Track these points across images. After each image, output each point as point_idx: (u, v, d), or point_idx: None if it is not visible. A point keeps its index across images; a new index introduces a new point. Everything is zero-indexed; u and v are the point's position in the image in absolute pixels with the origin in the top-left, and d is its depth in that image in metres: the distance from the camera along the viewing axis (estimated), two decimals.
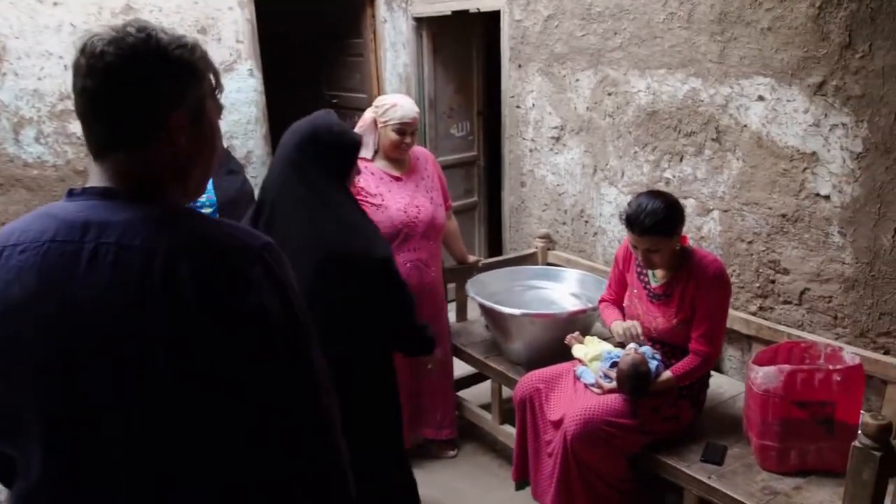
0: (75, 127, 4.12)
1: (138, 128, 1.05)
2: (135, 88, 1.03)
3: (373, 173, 3.24)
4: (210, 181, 3.14)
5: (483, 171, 5.37)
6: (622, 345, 2.87)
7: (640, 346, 2.64)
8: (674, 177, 3.28)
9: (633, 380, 2.53)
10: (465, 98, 5.14)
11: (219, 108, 1.16)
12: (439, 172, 3.48)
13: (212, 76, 1.12)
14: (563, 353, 2.93)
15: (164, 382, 0.99)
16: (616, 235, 3.61)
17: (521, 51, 3.97)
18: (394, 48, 5.03)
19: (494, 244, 5.35)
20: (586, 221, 3.78)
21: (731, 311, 3.08)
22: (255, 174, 4.75)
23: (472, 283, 3.51)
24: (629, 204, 2.55)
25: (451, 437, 3.60)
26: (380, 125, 3.19)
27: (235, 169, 4.14)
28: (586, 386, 2.69)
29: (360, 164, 3.23)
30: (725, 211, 3.09)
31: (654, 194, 2.56)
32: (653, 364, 2.60)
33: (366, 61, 5.20)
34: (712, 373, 3.14)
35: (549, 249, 4.00)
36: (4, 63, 3.90)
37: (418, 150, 3.49)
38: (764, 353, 2.57)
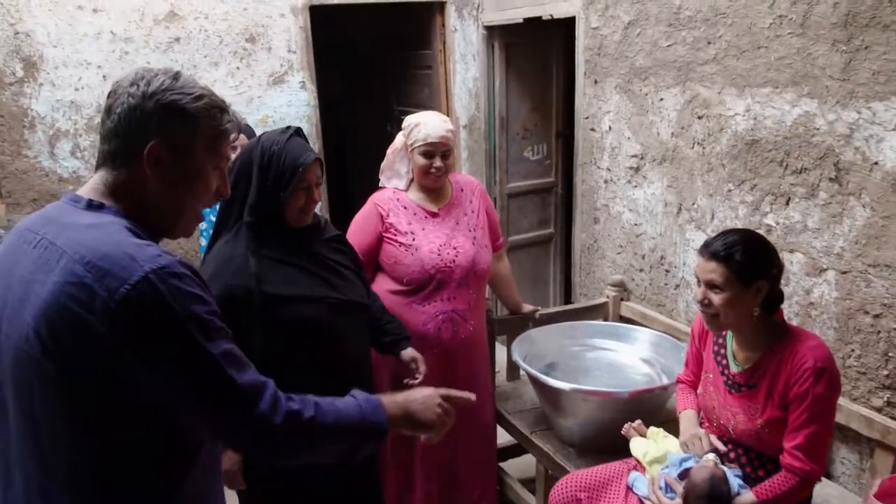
0: None
1: (119, 149, 1.24)
2: (127, 117, 1.22)
3: (405, 207, 2.74)
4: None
5: (561, 200, 4.76)
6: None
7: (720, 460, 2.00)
8: (777, 224, 2.58)
9: (706, 501, 1.89)
10: (543, 117, 4.56)
11: (216, 159, 1.31)
12: (488, 206, 2.93)
13: (215, 128, 1.29)
14: (623, 441, 2.31)
15: (32, 363, 1.14)
16: None
17: (597, 64, 3.36)
18: (464, 60, 4.53)
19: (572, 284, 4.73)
20: (667, 270, 3.12)
21: (847, 405, 2.35)
22: None
23: (520, 340, 2.92)
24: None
25: None
26: (409, 149, 2.69)
27: None
28: (641, 501, 2.06)
29: (392, 195, 2.75)
30: (844, 272, 2.37)
31: (747, 232, 2.03)
32: (734, 483, 1.95)
33: (434, 74, 4.73)
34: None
35: (622, 300, 3.36)
36: (41, 73, 3.70)
37: (463, 178, 2.96)
38: (889, 482, 1.86)
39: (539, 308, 3.25)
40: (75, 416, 1.16)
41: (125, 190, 1.24)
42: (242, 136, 3.46)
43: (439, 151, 2.64)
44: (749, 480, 2.00)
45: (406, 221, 2.70)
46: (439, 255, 2.67)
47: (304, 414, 1.27)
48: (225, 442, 1.27)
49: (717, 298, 1.92)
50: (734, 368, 2.04)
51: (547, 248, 4.81)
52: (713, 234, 2.73)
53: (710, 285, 1.93)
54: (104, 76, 3.78)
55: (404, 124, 2.71)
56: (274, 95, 4.17)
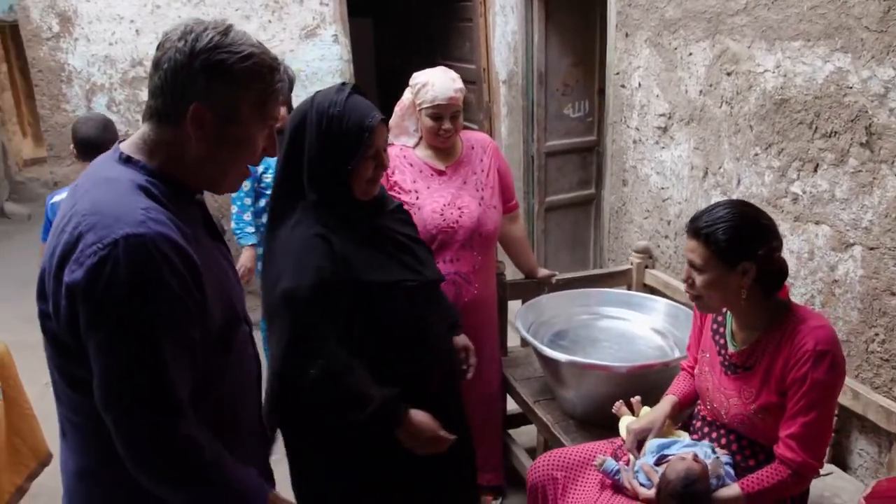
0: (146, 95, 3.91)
1: (164, 107, 1.21)
2: (173, 75, 1.18)
3: (411, 164, 2.66)
4: (275, 161, 2.76)
5: (603, 160, 4.55)
6: (688, 427, 2.08)
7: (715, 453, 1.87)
8: (804, 192, 2.35)
9: (679, 500, 1.77)
10: (585, 73, 4.32)
11: (263, 120, 1.27)
12: (501, 165, 2.81)
13: (263, 90, 1.24)
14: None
15: (48, 327, 1.19)
16: None
17: (628, 15, 3.13)
18: (503, 13, 4.33)
19: None
20: None
21: (867, 394, 2.16)
22: None
23: (529, 306, 2.81)
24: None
25: (495, 483, 2.99)
26: (416, 108, 2.59)
27: None
28: (616, 484, 1.95)
29: (399, 153, 2.67)
30: (872, 248, 2.14)
31: (742, 205, 1.82)
32: (720, 472, 1.81)
33: (475, 27, 4.57)
34: (830, 469, 2.25)
35: (646, 267, 3.18)
36: (76, 28, 3.76)
37: (475, 136, 2.85)
38: (888, 484, 1.69)
39: (556, 273, 3.12)
40: (57, 355, 1.20)
41: (166, 148, 1.23)
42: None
43: (448, 113, 2.54)
44: (739, 470, 1.86)
45: (411, 179, 2.63)
46: (442, 214, 2.58)
47: (205, 454, 1.21)
48: (115, 437, 1.18)
49: (698, 279, 1.77)
50: (731, 349, 1.88)
51: (587, 209, 4.63)
52: None
53: (692, 265, 1.79)
54: (137, 30, 3.82)
55: (412, 81, 2.61)
56: (306, 49, 4.13)
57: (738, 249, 1.71)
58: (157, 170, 1.23)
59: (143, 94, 3.89)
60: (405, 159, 2.66)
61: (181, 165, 1.24)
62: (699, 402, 2.07)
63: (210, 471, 1.22)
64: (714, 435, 1.96)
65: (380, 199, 1.93)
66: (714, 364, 1.93)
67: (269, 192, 3.49)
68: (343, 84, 1.84)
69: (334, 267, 1.74)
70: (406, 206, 2.56)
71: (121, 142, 1.29)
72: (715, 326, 1.96)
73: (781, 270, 1.80)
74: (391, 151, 2.67)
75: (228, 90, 1.20)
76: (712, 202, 2.71)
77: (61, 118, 3.85)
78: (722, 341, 1.92)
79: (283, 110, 2.03)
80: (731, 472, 1.85)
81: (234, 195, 3.44)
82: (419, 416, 1.82)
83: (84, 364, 1.14)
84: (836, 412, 1.89)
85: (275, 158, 3.42)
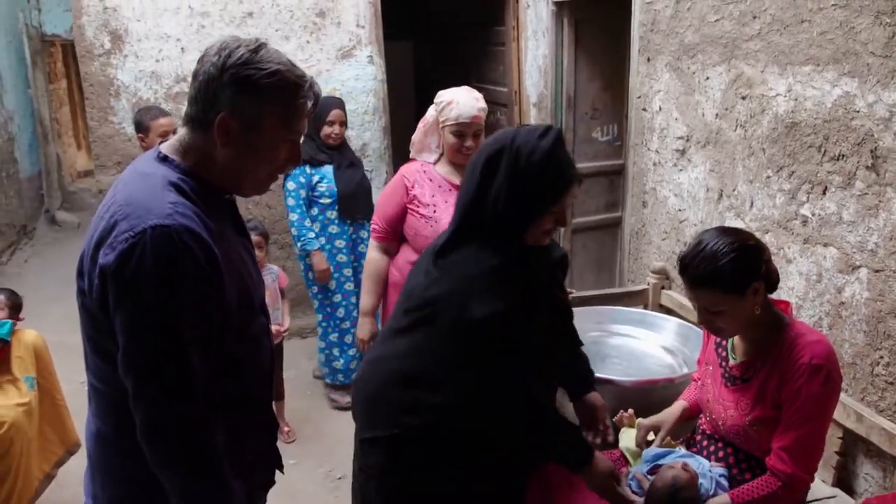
0: None
1: (196, 115, 1.34)
2: (206, 86, 1.31)
3: (431, 179, 2.74)
4: (331, 171, 3.72)
5: (626, 181, 4.58)
6: (690, 442, 2.11)
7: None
8: (813, 214, 2.37)
9: (675, 495, 1.79)
10: (613, 97, 4.39)
11: (287, 133, 1.37)
12: None
13: (287, 105, 1.33)
14: None
15: (83, 302, 1.32)
16: None
17: (650, 41, 3.20)
18: (535, 37, 4.43)
19: None
20: None
21: (871, 417, 2.15)
22: (371, 168, 4.46)
23: None
24: (689, 244, 1.80)
25: None
26: (440, 125, 2.68)
27: (356, 162, 3.88)
28: None
29: (420, 168, 2.77)
30: (878, 271, 2.15)
31: (724, 232, 1.77)
32: (707, 483, 1.84)
33: (507, 51, 4.68)
34: (835, 493, 2.23)
35: (663, 288, 3.21)
36: (126, 45, 3.98)
37: None
38: (877, 502, 1.70)
39: (573, 290, 3.17)
40: (89, 327, 1.33)
41: (196, 151, 1.35)
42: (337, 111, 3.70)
43: (471, 131, 2.62)
44: (735, 483, 1.88)
45: (430, 194, 2.71)
46: None
47: (208, 441, 1.29)
48: (131, 404, 1.28)
49: (721, 321, 1.76)
50: (731, 360, 1.90)
51: (614, 231, 4.65)
52: (752, 224, 2.59)
53: (708, 311, 1.76)
54: (182, 48, 4.02)
55: (437, 99, 2.70)
56: (342, 69, 4.28)
57: (745, 278, 1.70)
58: (189, 169, 1.36)
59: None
60: (425, 174, 2.75)
61: (210, 167, 1.36)
62: (701, 414, 2.09)
63: (208, 460, 1.30)
64: (712, 448, 1.98)
65: (546, 248, 1.90)
66: (716, 376, 1.95)
67: (321, 200, 3.71)
68: (548, 129, 1.73)
69: (514, 302, 1.71)
70: (423, 220, 2.67)
71: (162, 142, 1.43)
72: (718, 339, 1.97)
73: (776, 272, 1.81)
74: (412, 167, 2.77)
75: (253, 103, 1.30)
76: (725, 223, 2.75)
77: (108, 130, 4.07)
78: (724, 353, 1.94)
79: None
80: (726, 484, 1.86)
81: (291, 204, 3.65)
82: (603, 462, 1.83)
83: (111, 337, 1.26)
84: (829, 427, 1.86)
85: (329, 168, 3.64)
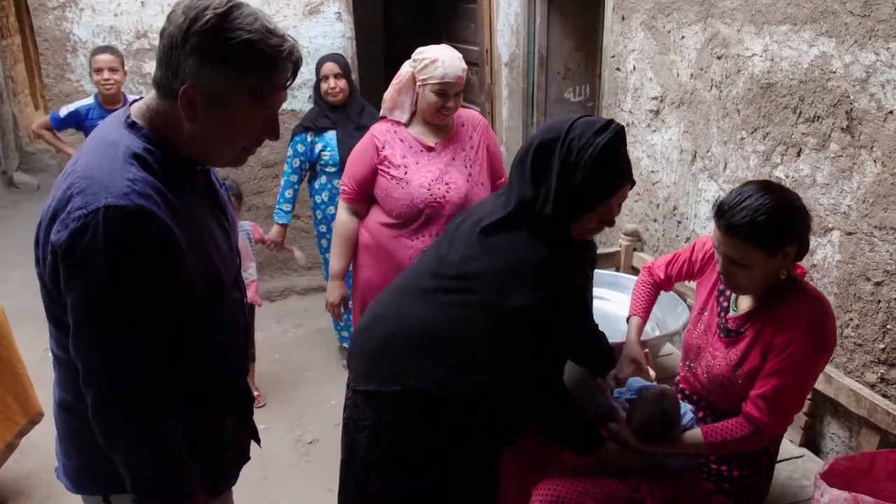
0: (150, 67, 3.96)
1: (161, 81, 1.23)
2: (169, 51, 1.19)
3: (402, 139, 2.67)
4: (335, 137, 3.57)
5: None
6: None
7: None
8: (787, 176, 2.36)
9: (650, 414, 1.79)
10: (587, 57, 4.32)
11: (260, 109, 1.24)
12: (490, 143, 2.82)
13: (259, 79, 1.21)
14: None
15: (39, 273, 1.25)
16: None
17: None
18: None
19: None
20: (679, 222, 2.94)
21: (839, 378, 2.17)
22: None
23: None
24: (732, 191, 1.73)
25: None
26: (418, 83, 2.59)
27: (366, 124, 3.74)
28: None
29: (390, 128, 2.69)
30: (850, 234, 2.15)
31: (769, 187, 1.68)
32: (686, 416, 1.84)
33: (479, 9, 4.57)
34: (802, 452, 2.26)
35: (634, 250, 3.20)
36: None
37: (466, 113, 2.86)
38: (846, 463, 1.71)
39: None
40: (46, 297, 1.26)
41: (164, 119, 1.25)
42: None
43: (453, 91, 2.55)
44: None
45: (401, 154, 2.64)
46: (429, 189, 2.60)
47: (153, 418, 1.24)
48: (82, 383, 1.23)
49: (742, 275, 1.70)
50: (732, 312, 1.85)
51: None
52: (725, 186, 2.55)
53: (732, 262, 1.69)
54: (142, 2, 3.85)
55: (416, 56, 2.60)
56: (309, 26, 4.15)
57: (781, 237, 1.64)
58: (156, 138, 1.25)
59: (147, 66, 3.95)
60: (396, 134, 2.68)
61: (178, 137, 1.26)
62: (679, 369, 2.06)
63: (158, 444, 1.25)
64: (691, 407, 1.97)
65: (587, 243, 1.88)
66: (711, 324, 1.90)
67: (327, 168, 3.57)
68: (608, 124, 1.66)
69: (557, 292, 1.72)
70: (394, 181, 2.61)
71: (134, 102, 1.33)
72: (721, 288, 1.90)
73: (809, 242, 1.76)
74: (382, 127, 2.70)
75: (220, 77, 1.18)
76: (699, 186, 2.74)
77: (66, 87, 3.91)
78: (725, 304, 1.88)
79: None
80: (694, 420, 1.87)
81: (284, 170, 3.60)
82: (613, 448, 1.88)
83: (66, 311, 1.20)
84: (810, 389, 1.86)
85: (333, 134, 3.51)
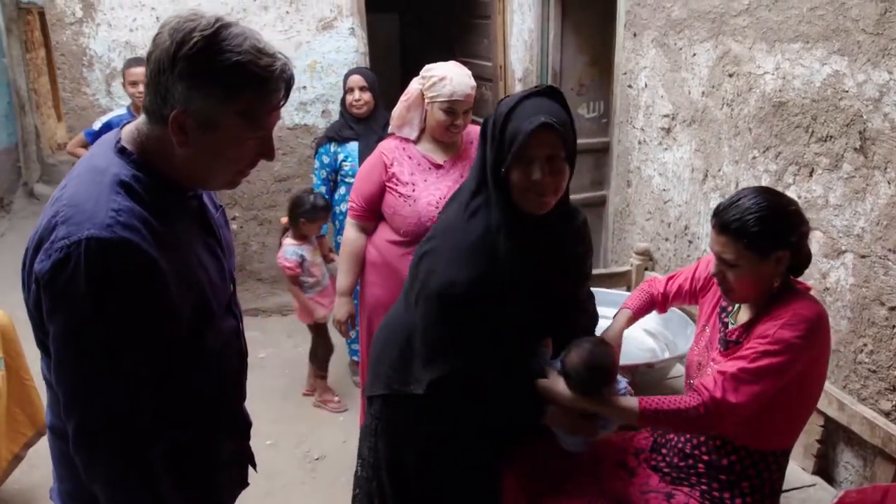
0: None
1: (151, 106, 1.20)
2: (157, 76, 1.16)
3: (410, 157, 2.66)
4: (356, 148, 3.55)
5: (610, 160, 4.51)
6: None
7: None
8: (799, 196, 2.31)
9: (585, 363, 1.69)
10: (601, 73, 4.29)
11: (253, 130, 1.22)
12: None
13: (250, 101, 1.18)
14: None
15: (25, 299, 1.23)
16: None
17: (637, 15, 3.11)
18: (521, 10, 4.33)
19: None
20: (690, 241, 2.89)
21: (852, 405, 2.11)
22: None
23: None
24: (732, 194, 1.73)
25: None
26: (426, 101, 2.57)
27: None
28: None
29: (399, 145, 2.68)
30: (864, 256, 2.10)
31: (765, 191, 1.69)
32: (621, 381, 1.78)
33: (493, 24, 4.56)
34: (815, 481, 2.20)
35: (646, 269, 3.16)
36: (98, 13, 3.85)
37: (475, 131, 2.83)
38: (857, 496, 1.66)
39: None
40: (32, 323, 1.24)
41: (155, 143, 1.22)
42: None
43: (462, 109, 2.53)
44: (713, 470, 1.82)
45: (409, 172, 2.63)
46: (437, 207, 2.58)
47: (135, 454, 1.21)
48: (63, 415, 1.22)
49: (731, 274, 1.68)
50: (732, 325, 1.80)
51: (599, 210, 4.58)
52: None
53: (723, 261, 1.68)
54: (157, 17, 3.89)
55: (424, 73, 2.60)
56: (322, 41, 4.16)
57: (771, 239, 1.62)
58: (146, 163, 1.23)
59: None
60: (404, 152, 2.66)
61: (169, 162, 1.23)
62: (683, 389, 2.01)
63: (141, 477, 1.22)
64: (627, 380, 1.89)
65: (560, 218, 1.73)
66: (712, 340, 1.85)
67: (348, 179, 3.57)
68: (539, 86, 1.68)
69: (489, 267, 1.66)
70: (402, 198, 2.59)
71: (125, 125, 1.30)
72: (724, 304, 1.86)
73: (809, 254, 1.73)
74: (390, 144, 2.69)
75: (210, 100, 1.16)
76: (711, 206, 2.70)
77: (82, 101, 3.95)
78: (726, 319, 1.84)
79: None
80: (628, 392, 1.81)
81: (314, 181, 3.60)
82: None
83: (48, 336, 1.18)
84: (786, 393, 1.66)
85: (355, 145, 3.52)
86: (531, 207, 1.64)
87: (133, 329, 1.17)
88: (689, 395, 1.68)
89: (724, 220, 1.65)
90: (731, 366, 1.65)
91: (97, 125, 3.62)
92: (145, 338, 1.20)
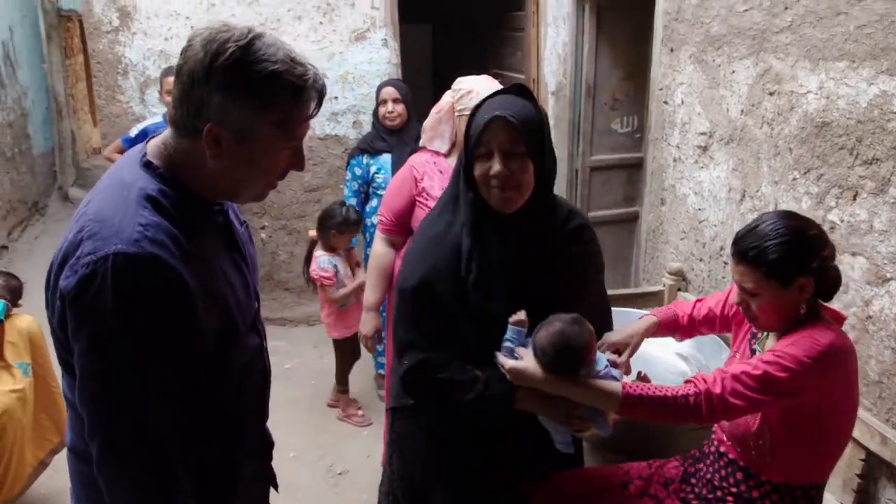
0: None
1: (182, 120, 1.18)
2: (190, 88, 1.14)
3: (441, 171, 2.63)
4: (389, 161, 3.52)
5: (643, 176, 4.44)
6: (698, 455, 1.99)
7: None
8: (841, 221, 2.23)
9: (552, 343, 1.58)
10: (636, 87, 4.23)
11: (287, 140, 1.21)
12: None
13: (285, 111, 1.18)
14: (637, 443, 2.17)
15: (49, 317, 1.21)
16: None
17: (674, 30, 3.05)
18: (555, 23, 4.28)
19: None
20: (725, 262, 2.82)
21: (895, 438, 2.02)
22: None
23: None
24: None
25: None
26: (456, 114, 2.55)
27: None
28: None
29: (429, 159, 2.65)
30: None
31: (786, 215, 1.63)
32: (601, 363, 1.66)
33: (526, 37, 4.53)
34: None
35: (679, 290, 3.08)
36: (135, 22, 3.89)
37: None
38: None
39: None
40: (55, 340, 1.22)
41: (183, 158, 1.21)
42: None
43: None
44: (742, 503, 1.75)
45: (439, 186, 2.60)
46: None
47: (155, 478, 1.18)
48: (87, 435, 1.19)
49: (754, 303, 1.62)
50: (759, 353, 1.73)
51: (631, 227, 4.51)
52: None
53: (744, 289, 1.63)
54: (192, 27, 3.92)
55: (455, 86, 2.58)
56: (355, 52, 4.16)
57: (792, 266, 1.56)
58: (172, 178, 1.21)
59: None
60: (435, 166, 2.64)
61: (198, 176, 1.22)
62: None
63: (161, 492, 1.19)
64: (722, 462, 1.84)
65: (541, 216, 1.70)
66: None
67: (380, 192, 3.53)
68: (513, 85, 1.73)
69: (447, 263, 1.66)
70: None
71: (150, 139, 1.28)
72: (754, 331, 1.81)
73: (837, 278, 1.66)
74: (421, 158, 2.66)
75: (246, 110, 1.15)
76: None
77: (116, 109, 3.99)
78: (755, 347, 1.79)
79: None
80: (612, 369, 1.70)
81: (346, 193, 3.60)
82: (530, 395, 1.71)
83: (73, 356, 1.16)
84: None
85: (388, 158, 3.50)
86: (495, 204, 1.64)
87: (161, 344, 1.15)
88: (683, 385, 1.60)
89: (742, 248, 1.60)
90: (735, 368, 1.59)
91: (134, 132, 3.64)
92: (173, 353, 1.18)
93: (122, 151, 3.68)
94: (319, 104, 1.24)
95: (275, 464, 1.61)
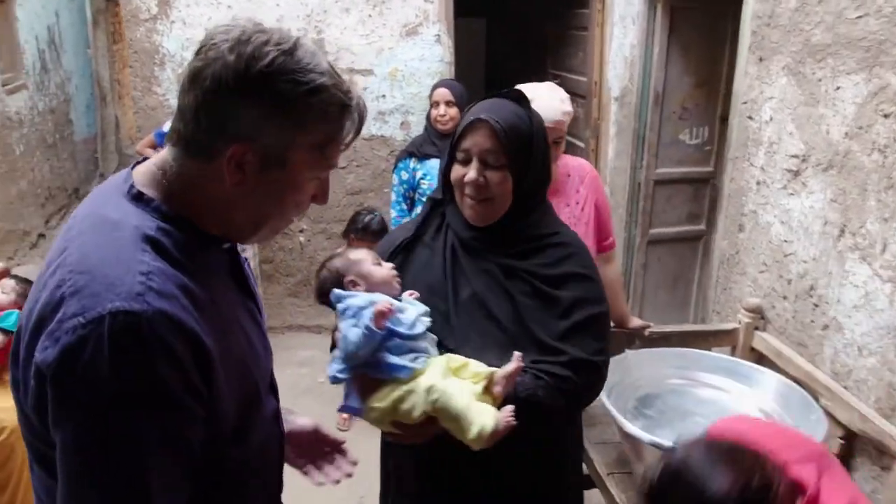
0: None
1: (196, 137, 0.94)
2: (212, 98, 0.92)
3: None
4: (437, 166, 3.04)
5: (719, 196, 4.08)
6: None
7: None
8: None
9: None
10: (708, 96, 3.88)
11: (320, 167, 1.01)
12: (599, 198, 2.49)
13: (327, 132, 0.97)
14: None
15: (17, 397, 0.96)
16: (856, 339, 2.26)
17: (765, 37, 2.70)
18: (622, 23, 3.94)
19: None
20: (815, 305, 2.47)
21: None
22: None
23: (615, 361, 2.44)
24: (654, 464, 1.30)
25: None
26: None
27: None
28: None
29: None
30: None
31: (714, 461, 1.21)
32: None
33: (590, 37, 4.20)
34: None
35: (756, 329, 2.75)
36: (173, 10, 3.68)
37: (573, 162, 2.52)
38: None
39: (650, 325, 2.75)
40: (25, 429, 0.96)
41: (189, 185, 0.98)
42: None
43: (552, 137, 2.22)
44: None
45: None
46: None
47: None
48: None
49: None
50: None
51: (695, 246, 4.17)
52: (882, 272, 2.11)
53: None
54: (233, 17, 3.69)
55: None
56: (406, 48, 3.89)
57: None
58: (173, 212, 0.97)
59: None
60: None
61: (207, 208, 0.99)
62: None
63: None
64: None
65: (511, 229, 1.57)
66: None
67: (423, 199, 3.33)
68: (510, 90, 1.64)
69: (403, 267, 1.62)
70: None
71: (136, 164, 1.02)
72: None
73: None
74: None
75: (283, 130, 0.94)
76: (846, 268, 2.28)
77: (152, 101, 3.80)
78: None
79: None
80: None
81: (392, 199, 3.37)
82: None
83: (53, 448, 0.89)
84: None
85: (436, 164, 3.27)
86: (466, 214, 1.57)
87: (172, 438, 0.89)
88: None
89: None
90: None
91: (166, 126, 3.43)
92: (187, 449, 0.91)
93: (154, 147, 3.48)
94: (359, 128, 1.00)
95: (301, 487, 1.42)
